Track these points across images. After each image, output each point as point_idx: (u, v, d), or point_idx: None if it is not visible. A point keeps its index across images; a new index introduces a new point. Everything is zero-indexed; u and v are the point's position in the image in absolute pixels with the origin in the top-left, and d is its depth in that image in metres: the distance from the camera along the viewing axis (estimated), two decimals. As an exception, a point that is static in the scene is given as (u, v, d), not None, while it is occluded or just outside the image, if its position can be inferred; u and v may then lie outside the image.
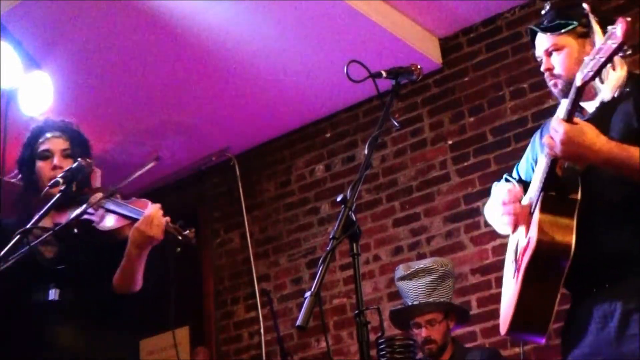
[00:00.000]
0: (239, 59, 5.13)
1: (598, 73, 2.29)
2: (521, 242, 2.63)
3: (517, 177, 2.92)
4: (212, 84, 5.37)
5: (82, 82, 5.07)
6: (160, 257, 2.95)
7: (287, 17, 4.77)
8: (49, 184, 2.82)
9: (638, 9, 4.70)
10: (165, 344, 6.31)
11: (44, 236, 2.74)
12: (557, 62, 2.61)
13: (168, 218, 2.79)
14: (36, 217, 2.71)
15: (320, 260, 2.12)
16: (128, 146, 5.57)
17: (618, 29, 2.23)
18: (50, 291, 2.87)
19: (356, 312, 2.18)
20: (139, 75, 5.16)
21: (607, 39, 2.26)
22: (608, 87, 2.53)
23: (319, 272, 2.09)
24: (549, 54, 2.63)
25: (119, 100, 5.36)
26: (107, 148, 5.49)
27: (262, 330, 5.86)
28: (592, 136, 2.34)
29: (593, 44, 2.53)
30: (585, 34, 2.60)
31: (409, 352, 3.60)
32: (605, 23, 2.47)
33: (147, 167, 2.97)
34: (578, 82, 2.33)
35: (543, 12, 2.70)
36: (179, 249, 2.70)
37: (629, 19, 2.23)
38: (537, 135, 2.91)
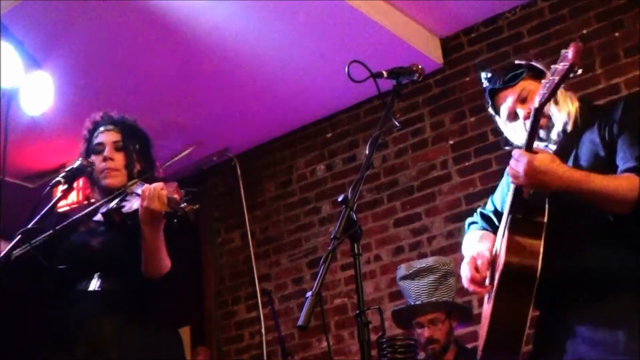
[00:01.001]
0: (240, 59, 5.13)
1: (553, 93, 2.35)
2: (497, 268, 2.66)
3: (492, 208, 2.95)
4: (213, 83, 5.37)
5: (83, 82, 5.07)
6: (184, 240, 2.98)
7: (288, 17, 4.76)
8: (50, 185, 2.83)
9: (638, 9, 4.70)
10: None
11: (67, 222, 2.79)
12: (532, 105, 2.62)
13: (174, 195, 2.75)
14: (37, 217, 2.71)
15: (322, 260, 2.11)
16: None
17: (570, 52, 2.30)
18: (92, 281, 2.89)
19: (357, 312, 2.19)
20: (140, 75, 5.16)
21: (559, 61, 2.34)
22: (562, 118, 2.59)
23: (320, 272, 2.09)
24: (522, 101, 2.66)
25: (119, 100, 5.34)
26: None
27: (263, 330, 5.86)
28: (553, 164, 2.38)
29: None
30: (539, 75, 2.68)
31: (410, 352, 3.60)
32: (547, 63, 2.57)
33: (186, 152, 3.02)
34: (536, 103, 2.38)
35: (487, 78, 2.76)
36: (175, 221, 2.69)
37: (579, 43, 2.31)
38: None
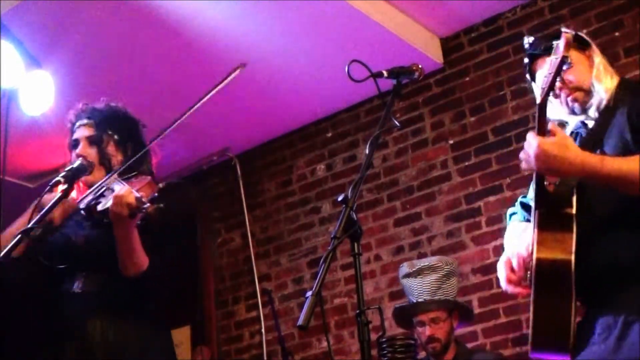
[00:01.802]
0: (240, 59, 5.11)
1: (551, 88, 2.33)
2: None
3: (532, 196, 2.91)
4: (213, 83, 5.36)
5: (83, 82, 5.06)
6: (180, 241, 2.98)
7: (288, 17, 4.76)
8: (50, 184, 2.83)
9: (638, 9, 4.70)
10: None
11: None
12: (573, 75, 2.59)
13: (142, 193, 2.74)
14: (37, 217, 2.71)
15: (322, 260, 2.11)
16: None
17: (560, 44, 2.29)
18: (76, 280, 2.88)
19: (357, 311, 2.19)
20: (140, 75, 5.16)
21: (552, 54, 2.32)
22: (600, 95, 2.55)
23: (320, 271, 2.09)
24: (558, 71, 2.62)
25: (119, 100, 5.33)
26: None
27: (263, 330, 5.85)
28: (565, 148, 2.34)
29: (595, 53, 2.60)
30: (584, 45, 2.64)
31: (410, 352, 3.61)
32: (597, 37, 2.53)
33: (231, 76, 3.04)
34: (538, 99, 2.37)
35: (529, 43, 2.73)
36: (140, 222, 2.70)
37: (569, 33, 2.29)
38: None
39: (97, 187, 2.87)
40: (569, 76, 2.57)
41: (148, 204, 2.65)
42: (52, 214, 2.78)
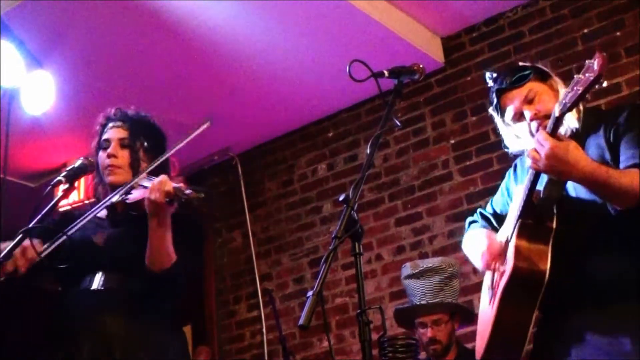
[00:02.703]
0: (241, 58, 5.13)
1: (576, 104, 2.33)
2: (498, 270, 2.67)
3: (491, 211, 2.96)
4: (215, 83, 5.38)
5: (84, 81, 5.07)
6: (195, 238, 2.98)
7: (289, 16, 4.76)
8: (51, 184, 2.83)
9: (639, 9, 4.70)
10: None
11: (77, 222, 2.79)
12: (541, 105, 2.63)
13: (180, 185, 2.75)
14: (38, 216, 2.71)
15: (323, 260, 2.11)
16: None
17: (595, 63, 2.27)
18: (95, 278, 2.88)
19: (358, 311, 2.18)
20: (141, 75, 5.17)
21: (584, 71, 2.30)
22: (572, 121, 2.58)
23: (321, 271, 2.09)
24: (529, 101, 2.65)
25: (120, 99, 5.31)
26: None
27: (264, 330, 5.86)
28: (576, 153, 2.36)
29: (556, 83, 2.68)
30: (545, 77, 2.70)
31: (411, 352, 3.60)
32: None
33: (198, 131, 3.02)
34: (557, 112, 2.37)
35: (492, 78, 2.78)
36: (177, 206, 2.70)
37: (604, 54, 2.27)
38: (511, 170, 2.96)
39: (127, 185, 2.88)
40: (538, 106, 2.62)
41: (190, 191, 2.65)
42: (17, 263, 2.75)
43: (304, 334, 5.59)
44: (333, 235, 2.18)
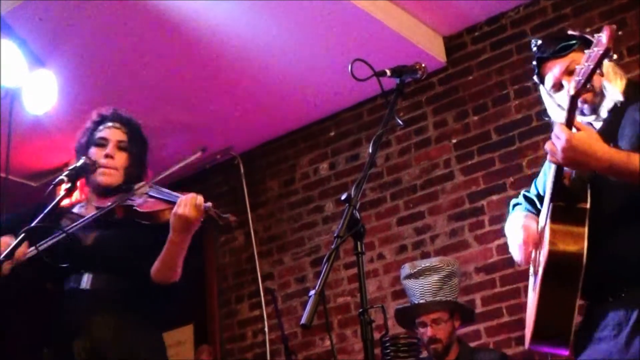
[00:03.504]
0: (243, 58, 5.13)
1: (588, 80, 2.32)
2: (539, 255, 2.63)
3: (535, 192, 2.91)
4: (216, 82, 5.37)
5: (87, 81, 5.07)
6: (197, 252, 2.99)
7: (291, 15, 4.76)
8: (53, 183, 2.83)
9: (639, 9, 4.70)
10: (170, 342, 6.32)
11: (80, 222, 2.79)
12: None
13: (209, 203, 2.78)
14: (40, 215, 2.71)
15: (325, 259, 2.12)
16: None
17: (603, 36, 2.26)
18: (83, 278, 2.88)
19: (360, 310, 2.18)
20: (143, 74, 5.17)
21: (594, 46, 2.30)
22: (613, 94, 2.55)
23: (323, 270, 2.09)
24: (570, 72, 2.61)
25: (122, 99, 5.35)
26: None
27: (266, 329, 5.86)
28: (593, 143, 2.35)
29: None
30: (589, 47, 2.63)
31: (413, 351, 3.61)
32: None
33: (192, 158, 3.04)
34: (572, 90, 2.36)
35: (537, 45, 2.74)
36: (219, 227, 2.73)
37: (614, 26, 2.27)
38: None
39: (133, 190, 2.88)
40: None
41: (229, 215, 2.68)
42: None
43: (306, 333, 5.59)
44: (335, 235, 2.18)
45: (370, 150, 2.39)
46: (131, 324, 2.88)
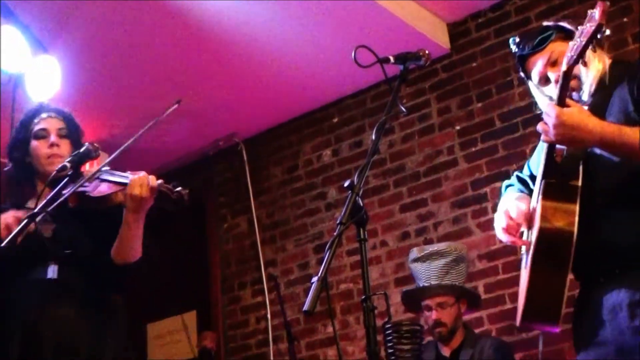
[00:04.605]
0: (245, 45, 5.12)
1: (581, 55, 2.32)
2: (531, 233, 2.63)
3: (528, 173, 2.91)
4: (220, 69, 5.37)
5: (90, 67, 5.07)
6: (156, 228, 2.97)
7: (295, 2, 4.75)
8: (57, 169, 2.82)
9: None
10: (173, 328, 6.34)
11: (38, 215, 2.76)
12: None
13: (160, 180, 2.77)
14: (44, 201, 2.70)
15: (327, 246, 2.11)
16: (135, 130, 5.57)
17: (596, 12, 2.26)
18: (49, 269, 2.87)
19: (363, 297, 2.18)
20: (147, 60, 5.16)
21: (586, 22, 2.30)
22: (591, 78, 2.55)
23: (326, 257, 2.09)
24: (552, 64, 2.63)
25: (126, 85, 5.35)
26: (114, 132, 5.50)
27: (269, 315, 5.88)
28: (584, 118, 2.35)
29: None
30: (568, 36, 2.62)
31: (415, 338, 3.61)
32: (576, 23, 2.51)
33: (168, 111, 3.01)
34: (564, 66, 2.36)
35: (515, 43, 2.74)
36: (172, 209, 2.70)
37: (607, 2, 2.26)
38: None
39: (87, 177, 2.85)
40: (561, 66, 2.57)
41: (180, 188, 2.66)
42: None
43: (308, 319, 5.60)
44: (338, 221, 2.18)
45: (373, 137, 2.38)
46: (96, 311, 2.88)
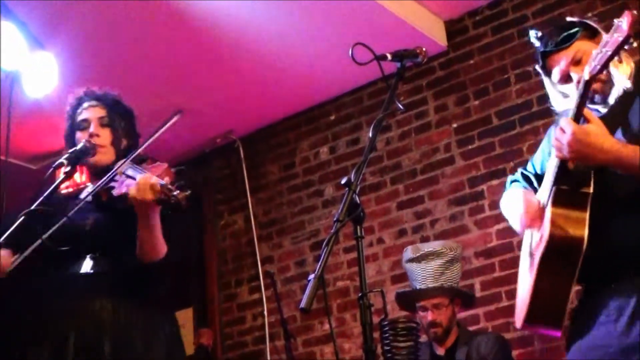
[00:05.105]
0: (243, 42, 5.11)
1: (605, 66, 2.29)
2: (535, 236, 2.62)
3: (532, 171, 2.90)
4: (217, 66, 5.36)
5: (87, 63, 5.05)
6: (186, 224, 2.95)
7: (290, 1, 4.75)
8: (53, 166, 2.82)
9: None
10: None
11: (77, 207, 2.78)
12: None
13: (166, 180, 2.73)
14: (40, 198, 2.70)
15: (324, 243, 2.11)
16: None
17: (624, 22, 2.22)
18: (84, 263, 2.87)
19: (360, 294, 2.19)
20: (144, 57, 5.15)
21: (613, 31, 2.26)
22: (622, 81, 2.50)
23: (323, 254, 2.09)
24: (576, 62, 2.58)
25: (123, 82, 5.31)
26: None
27: (265, 312, 5.88)
28: (599, 136, 2.33)
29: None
30: (594, 34, 2.59)
31: (411, 335, 3.61)
32: (601, 20, 2.47)
33: (169, 123, 2.99)
34: (586, 75, 2.32)
35: (538, 37, 2.70)
36: (168, 210, 2.68)
37: (634, 11, 2.22)
38: (552, 128, 2.87)
39: (111, 174, 2.85)
40: (584, 66, 2.51)
41: (177, 191, 2.63)
42: None
43: (305, 316, 5.61)
44: (335, 219, 2.18)
45: (370, 134, 2.38)
46: (134, 306, 2.87)
